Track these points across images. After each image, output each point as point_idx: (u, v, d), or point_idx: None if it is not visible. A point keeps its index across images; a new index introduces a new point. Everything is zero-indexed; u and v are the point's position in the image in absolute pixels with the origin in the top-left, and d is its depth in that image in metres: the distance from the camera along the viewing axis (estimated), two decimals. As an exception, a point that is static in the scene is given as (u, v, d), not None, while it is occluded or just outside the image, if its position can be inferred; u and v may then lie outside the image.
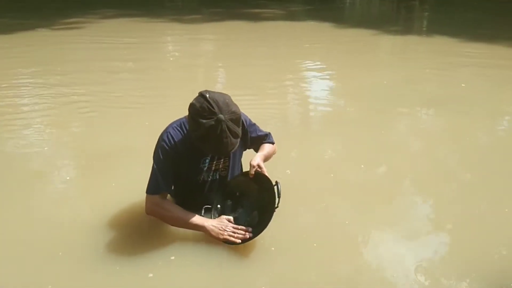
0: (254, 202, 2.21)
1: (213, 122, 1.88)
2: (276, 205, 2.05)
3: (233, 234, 2.04)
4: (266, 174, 2.16)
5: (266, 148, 2.34)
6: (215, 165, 2.24)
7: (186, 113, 2.02)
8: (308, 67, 5.79)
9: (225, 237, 2.03)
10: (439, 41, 7.43)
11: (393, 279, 1.95)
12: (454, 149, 3.34)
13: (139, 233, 2.20)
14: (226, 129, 1.90)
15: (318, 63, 6.09)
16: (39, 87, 4.63)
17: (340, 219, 2.38)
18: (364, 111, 4.10)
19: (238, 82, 5.10)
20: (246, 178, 2.23)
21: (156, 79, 5.15)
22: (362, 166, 2.95)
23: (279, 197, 2.07)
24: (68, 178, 2.83)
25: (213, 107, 1.89)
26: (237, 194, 2.27)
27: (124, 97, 4.44)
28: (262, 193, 2.17)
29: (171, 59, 6.48)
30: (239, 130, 1.99)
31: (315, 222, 2.37)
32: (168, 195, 2.24)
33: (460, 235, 2.30)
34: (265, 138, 2.39)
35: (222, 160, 2.24)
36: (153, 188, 2.11)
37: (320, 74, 5.58)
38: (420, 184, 2.81)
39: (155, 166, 2.11)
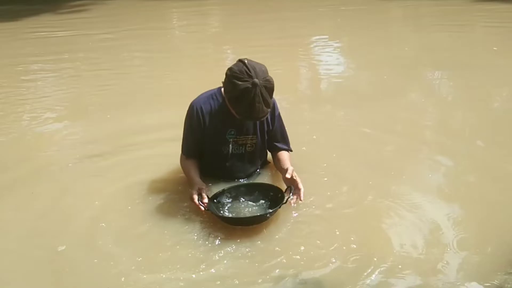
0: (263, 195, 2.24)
1: (249, 85, 1.98)
2: (284, 202, 2.08)
3: (196, 203, 2.08)
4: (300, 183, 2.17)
5: (288, 157, 2.38)
6: (243, 140, 2.30)
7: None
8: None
9: (194, 202, 2.09)
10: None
11: (401, 248, 1.95)
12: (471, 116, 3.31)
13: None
14: (260, 94, 1.98)
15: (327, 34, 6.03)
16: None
17: (352, 188, 2.38)
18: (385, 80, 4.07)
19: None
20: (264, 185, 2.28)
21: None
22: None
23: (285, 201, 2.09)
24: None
25: (250, 72, 1.99)
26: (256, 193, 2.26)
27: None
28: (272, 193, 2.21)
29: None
30: (271, 101, 2.07)
31: (326, 191, 2.35)
32: None
33: (473, 207, 2.25)
34: (287, 143, 2.45)
35: (250, 136, 2.30)
36: (182, 148, 2.38)
37: (330, 43, 5.55)
38: (438, 152, 2.79)
39: (183, 131, 2.33)
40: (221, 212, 2.13)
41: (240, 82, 2.00)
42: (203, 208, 2.07)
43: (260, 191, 2.26)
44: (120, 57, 5.22)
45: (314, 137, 2.92)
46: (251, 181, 2.37)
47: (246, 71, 2.01)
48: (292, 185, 2.16)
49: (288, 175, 2.18)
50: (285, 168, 2.24)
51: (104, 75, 4.59)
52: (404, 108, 3.48)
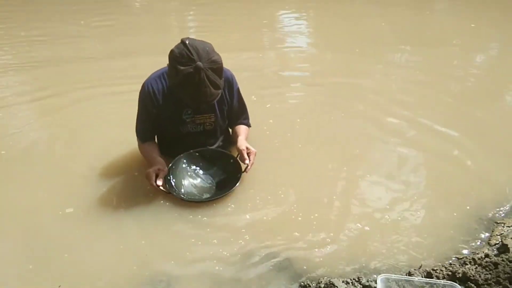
0: (222, 169, 2.28)
1: (191, 70, 1.85)
2: (241, 173, 2.15)
3: (153, 184, 2.03)
4: (255, 154, 2.18)
5: (245, 131, 2.35)
6: (200, 119, 2.23)
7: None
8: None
9: (151, 182, 2.03)
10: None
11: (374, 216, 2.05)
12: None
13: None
14: (205, 78, 1.87)
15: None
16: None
17: (321, 167, 2.42)
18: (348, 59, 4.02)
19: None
20: (222, 153, 2.30)
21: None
22: (343, 114, 2.96)
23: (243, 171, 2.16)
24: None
25: (192, 54, 1.85)
26: (207, 157, 2.30)
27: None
28: (229, 164, 2.25)
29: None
30: (220, 81, 1.96)
31: (295, 169, 2.40)
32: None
33: (440, 177, 2.37)
34: (247, 118, 2.42)
35: (207, 115, 2.23)
36: (137, 133, 2.29)
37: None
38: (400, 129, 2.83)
39: (138, 114, 2.22)
40: (177, 190, 2.14)
41: (181, 67, 1.85)
42: (162, 189, 2.04)
43: (213, 156, 2.29)
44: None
45: (271, 121, 2.84)
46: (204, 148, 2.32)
47: (187, 54, 1.86)
48: (243, 157, 2.14)
49: (238, 145, 2.18)
50: (238, 137, 2.24)
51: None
52: (369, 88, 3.47)
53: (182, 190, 2.16)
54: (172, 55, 1.91)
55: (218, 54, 1.94)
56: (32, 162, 2.52)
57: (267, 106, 3.07)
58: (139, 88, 2.17)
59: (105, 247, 1.91)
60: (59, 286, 1.71)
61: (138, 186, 2.21)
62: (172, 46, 1.94)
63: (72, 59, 4.05)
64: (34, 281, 1.76)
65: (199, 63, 1.85)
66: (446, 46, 4.31)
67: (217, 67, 1.91)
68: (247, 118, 2.42)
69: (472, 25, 4.87)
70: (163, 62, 2.04)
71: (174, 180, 2.17)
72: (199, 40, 1.95)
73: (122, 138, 2.54)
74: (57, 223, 2.05)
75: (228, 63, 2.11)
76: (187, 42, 1.89)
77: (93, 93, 3.32)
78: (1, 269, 1.83)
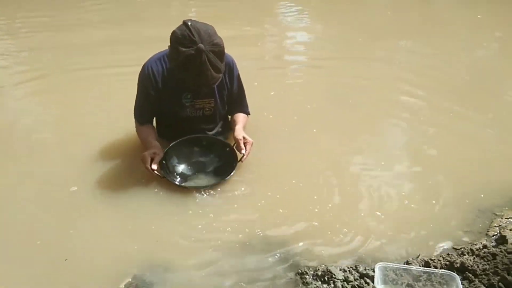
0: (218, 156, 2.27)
1: (192, 51, 1.82)
2: (236, 162, 2.14)
3: (147, 167, 2.01)
4: (251, 144, 2.16)
5: (243, 119, 2.33)
6: (200, 104, 2.21)
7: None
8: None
9: (146, 166, 2.01)
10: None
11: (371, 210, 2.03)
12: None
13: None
14: (207, 61, 1.84)
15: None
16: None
17: (326, 153, 2.42)
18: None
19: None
20: (218, 141, 2.28)
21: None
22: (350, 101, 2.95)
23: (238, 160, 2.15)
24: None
25: (194, 36, 1.83)
26: (204, 143, 2.28)
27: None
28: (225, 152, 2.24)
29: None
30: (221, 65, 1.93)
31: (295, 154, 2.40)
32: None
33: (442, 160, 2.37)
34: (246, 106, 2.39)
35: (207, 100, 2.20)
36: (135, 116, 2.26)
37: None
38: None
39: (137, 96, 2.20)
40: (172, 175, 2.14)
41: (183, 49, 1.82)
42: (157, 173, 2.03)
43: (209, 143, 2.27)
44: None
45: (274, 106, 2.84)
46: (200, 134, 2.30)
47: (189, 36, 1.83)
48: (239, 146, 2.13)
49: (236, 134, 2.16)
50: (236, 126, 2.22)
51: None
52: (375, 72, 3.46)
53: (177, 175, 2.15)
54: (173, 36, 1.89)
55: (220, 37, 1.91)
56: (33, 143, 2.54)
57: (271, 93, 3.05)
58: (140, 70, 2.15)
59: (109, 226, 1.94)
60: (66, 259, 1.75)
61: (135, 169, 2.20)
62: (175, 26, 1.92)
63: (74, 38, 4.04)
64: (42, 255, 1.80)
65: (200, 45, 1.82)
66: (452, 36, 4.27)
67: (219, 50, 1.88)
68: (246, 105, 2.40)
69: (479, 16, 4.81)
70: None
71: (169, 165, 2.15)
72: (201, 22, 1.92)
73: (125, 119, 2.50)
74: (62, 200, 2.08)
75: (230, 50, 2.10)
76: (189, 23, 1.86)
77: (95, 74, 3.31)
78: (10, 244, 1.86)
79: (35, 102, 3.03)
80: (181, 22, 1.91)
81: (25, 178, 2.25)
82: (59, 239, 1.88)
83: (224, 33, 2.01)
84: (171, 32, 1.91)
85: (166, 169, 2.13)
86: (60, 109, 2.92)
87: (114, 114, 2.71)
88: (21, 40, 4.17)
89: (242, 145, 2.13)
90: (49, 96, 3.10)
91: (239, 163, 2.15)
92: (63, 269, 1.73)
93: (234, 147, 2.20)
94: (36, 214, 2.01)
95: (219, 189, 2.10)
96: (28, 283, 1.69)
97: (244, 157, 2.14)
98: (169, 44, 1.94)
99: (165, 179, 2.09)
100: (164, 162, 2.12)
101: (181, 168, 2.21)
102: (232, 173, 2.10)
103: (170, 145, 2.19)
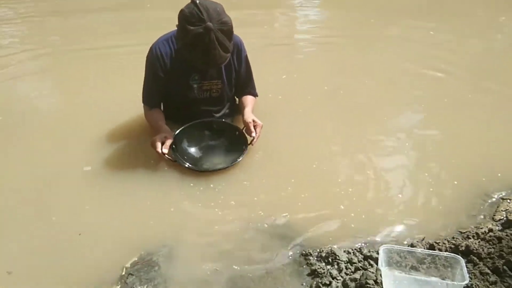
0: (228, 140, 2.27)
1: (201, 30, 1.81)
2: (246, 146, 2.15)
3: (158, 151, 2.02)
4: (261, 127, 2.16)
5: (251, 101, 2.32)
6: (207, 85, 2.20)
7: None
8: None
9: (156, 150, 2.03)
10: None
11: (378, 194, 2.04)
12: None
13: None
14: (215, 40, 1.83)
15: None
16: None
17: (335, 136, 2.43)
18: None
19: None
20: (228, 125, 2.29)
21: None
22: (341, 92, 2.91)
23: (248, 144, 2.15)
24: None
25: (202, 14, 1.81)
26: (214, 127, 2.28)
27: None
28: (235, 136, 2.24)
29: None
30: (230, 45, 1.92)
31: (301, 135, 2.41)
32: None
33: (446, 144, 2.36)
34: (253, 88, 2.37)
35: (214, 81, 2.19)
36: (143, 99, 2.26)
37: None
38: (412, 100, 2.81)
39: (144, 79, 2.20)
40: (182, 159, 2.14)
41: (191, 27, 1.81)
42: (167, 157, 2.04)
43: (219, 127, 2.28)
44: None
45: (286, 88, 2.83)
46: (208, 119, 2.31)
47: (197, 14, 1.81)
48: (249, 129, 2.12)
49: (245, 118, 2.16)
50: (245, 109, 2.21)
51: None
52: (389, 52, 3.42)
53: (187, 159, 2.17)
54: (181, 14, 1.87)
55: (228, 16, 1.90)
56: (44, 123, 2.58)
57: (283, 76, 3.03)
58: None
59: (119, 206, 1.97)
60: (80, 234, 1.79)
61: (147, 152, 2.21)
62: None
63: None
64: (57, 228, 1.86)
65: (209, 23, 1.80)
66: (468, 17, 4.18)
67: (227, 29, 1.87)
68: (253, 87, 2.39)
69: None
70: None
71: (179, 148, 2.17)
72: (210, 0, 1.90)
73: (136, 96, 2.49)
74: (77, 179, 2.12)
75: (238, 31, 2.08)
76: (197, 1, 1.84)
77: (105, 52, 3.35)
78: (26, 220, 1.90)
79: (46, 85, 3.08)
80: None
81: (36, 159, 2.28)
82: (74, 213, 1.93)
83: (232, 14, 1.99)
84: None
85: (176, 153, 2.14)
86: (72, 88, 2.97)
87: (126, 94, 2.70)
88: (30, 25, 4.18)
89: (252, 128, 2.13)
90: (61, 78, 3.14)
91: (249, 146, 2.16)
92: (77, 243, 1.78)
93: (244, 131, 2.19)
94: (50, 192, 2.05)
95: (229, 172, 2.11)
96: (42, 257, 1.73)
97: (254, 140, 2.14)
98: (177, 23, 1.92)
99: (175, 163, 2.10)
100: (174, 146, 2.13)
101: (192, 151, 2.23)
102: (242, 157, 2.11)
103: (180, 128, 2.20)
